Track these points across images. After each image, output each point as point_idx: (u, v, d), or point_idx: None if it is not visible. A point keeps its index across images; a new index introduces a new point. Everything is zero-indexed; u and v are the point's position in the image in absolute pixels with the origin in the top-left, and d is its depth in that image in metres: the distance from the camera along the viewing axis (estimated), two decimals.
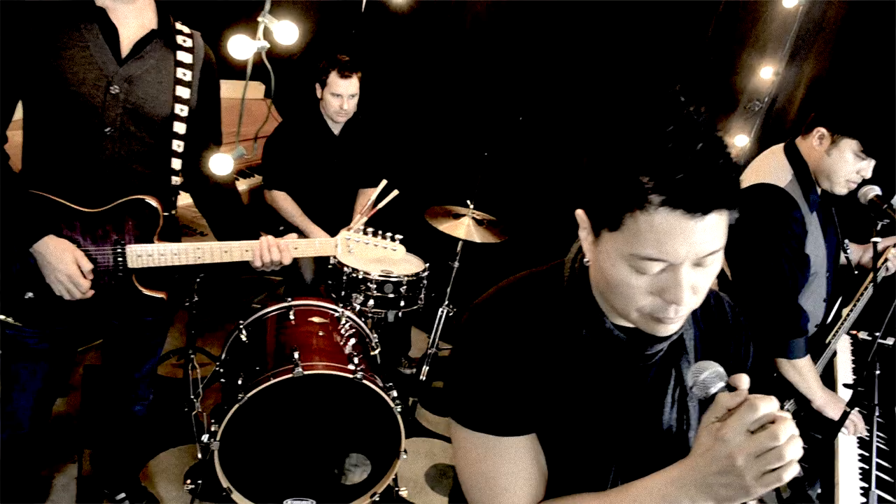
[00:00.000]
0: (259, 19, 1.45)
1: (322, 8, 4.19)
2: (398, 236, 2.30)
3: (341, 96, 3.19)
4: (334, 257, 3.10)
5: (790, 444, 0.90)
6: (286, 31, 1.46)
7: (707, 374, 1.01)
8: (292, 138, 3.31)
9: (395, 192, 3.15)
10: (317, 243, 2.16)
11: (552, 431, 1.09)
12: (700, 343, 1.20)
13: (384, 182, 3.17)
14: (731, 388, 1.00)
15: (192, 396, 2.90)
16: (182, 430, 2.94)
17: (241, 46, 1.43)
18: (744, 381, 0.98)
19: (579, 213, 1.02)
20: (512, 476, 1.08)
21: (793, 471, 0.92)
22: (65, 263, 1.84)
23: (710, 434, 0.96)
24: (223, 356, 2.87)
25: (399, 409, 2.52)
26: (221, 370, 2.85)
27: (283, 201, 3.35)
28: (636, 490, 1.02)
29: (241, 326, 2.77)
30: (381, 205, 3.22)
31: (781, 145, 2.39)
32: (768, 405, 0.92)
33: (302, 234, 3.37)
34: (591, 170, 0.98)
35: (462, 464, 1.13)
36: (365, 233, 2.25)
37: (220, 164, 1.66)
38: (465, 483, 1.13)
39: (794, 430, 0.92)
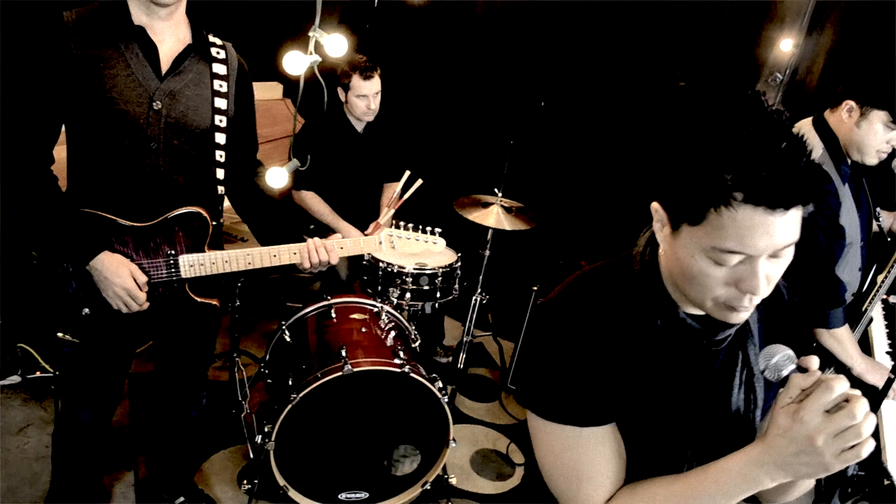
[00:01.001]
0: (310, 34, 1.48)
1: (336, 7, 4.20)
2: (438, 230, 2.33)
3: (367, 97, 3.21)
4: (368, 253, 3.14)
5: (867, 421, 0.94)
6: (336, 44, 1.49)
7: (778, 358, 1.05)
8: (318, 139, 3.34)
9: (420, 182, 3.19)
10: (361, 242, 2.19)
11: (630, 418, 1.13)
12: (763, 325, 1.23)
13: (407, 173, 3.21)
14: (801, 369, 1.03)
15: (241, 398, 2.97)
16: (231, 431, 3.01)
17: (295, 62, 1.46)
18: (814, 361, 1.02)
19: (655, 206, 1.06)
20: (595, 465, 1.11)
21: (870, 446, 0.96)
22: (121, 278, 1.89)
23: (787, 415, 0.99)
24: (267, 357, 2.92)
25: (446, 400, 2.57)
26: (266, 371, 2.91)
27: (313, 201, 3.39)
28: (715, 471, 1.05)
29: (284, 327, 2.82)
30: (406, 196, 3.27)
31: (809, 120, 2.40)
32: (842, 385, 0.96)
33: (333, 232, 3.42)
34: (671, 166, 1.01)
35: (544, 455, 1.17)
36: (406, 228, 2.28)
37: (276, 177, 1.70)
38: (547, 473, 1.17)
39: (868, 407, 0.96)
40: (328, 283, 3.36)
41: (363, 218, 3.46)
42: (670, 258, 1.07)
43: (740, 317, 1.06)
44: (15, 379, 3.08)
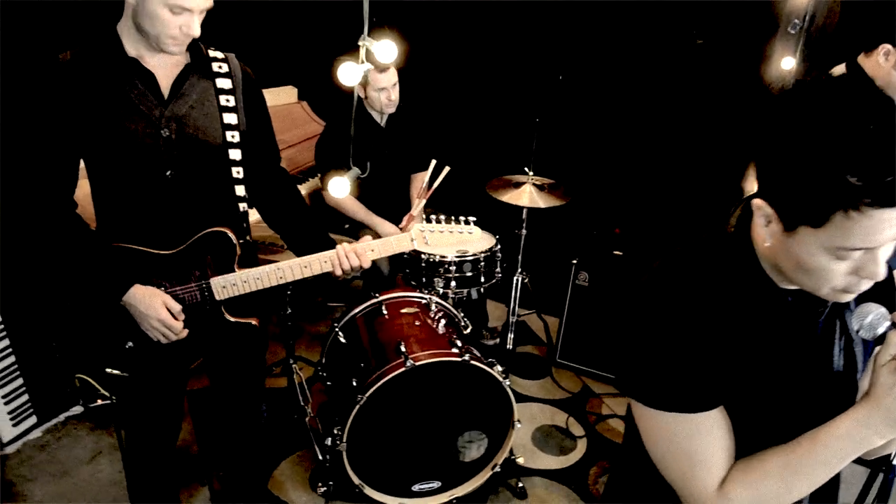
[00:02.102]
0: (360, 43, 1.48)
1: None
2: (471, 218, 2.26)
3: (385, 89, 3.21)
4: None
5: None
6: (386, 50, 1.50)
7: (872, 317, 1.06)
8: (342, 137, 3.34)
9: (447, 169, 3.19)
10: (393, 242, 2.13)
11: (736, 395, 1.13)
12: None
13: (434, 162, 3.21)
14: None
15: (302, 403, 3.01)
16: (295, 436, 3.05)
17: (349, 73, 1.47)
18: None
19: (759, 203, 1.03)
20: (708, 449, 1.11)
21: None
22: (155, 310, 1.88)
23: (889, 372, 1.00)
24: (323, 360, 2.95)
25: (507, 383, 2.60)
26: (324, 374, 2.94)
27: (345, 200, 3.40)
28: (825, 436, 1.06)
29: (337, 328, 2.85)
30: (435, 184, 3.27)
31: (843, 66, 2.38)
32: None
33: (367, 229, 3.44)
34: (785, 168, 0.98)
35: (654, 443, 1.17)
36: (438, 221, 2.22)
37: (338, 187, 1.70)
38: (659, 460, 1.17)
39: None
40: (371, 280, 3.38)
41: (396, 211, 3.47)
42: (780, 252, 1.05)
43: (852, 297, 1.06)
44: (78, 409, 3.11)
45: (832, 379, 1.19)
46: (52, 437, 3.01)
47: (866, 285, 1.02)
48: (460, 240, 2.20)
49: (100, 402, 3.14)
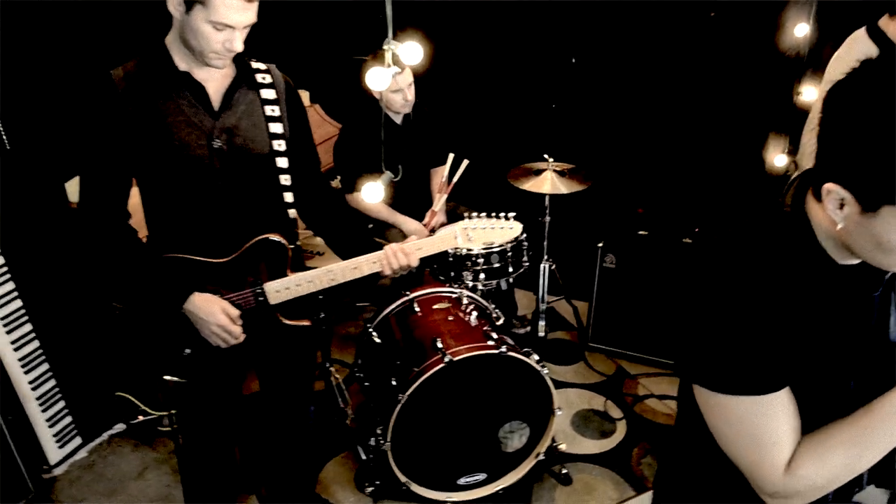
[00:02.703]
0: (385, 47, 1.48)
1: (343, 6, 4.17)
2: (511, 214, 2.29)
3: (401, 90, 3.20)
4: None
5: None
6: (412, 52, 1.50)
7: None
8: (358, 139, 3.34)
9: (466, 162, 3.19)
10: (438, 240, 2.15)
11: (801, 373, 1.13)
12: None
13: (452, 156, 3.21)
14: None
15: (342, 405, 3.03)
16: (336, 438, 3.07)
17: (378, 78, 1.47)
18: None
19: (831, 187, 1.01)
20: (776, 430, 1.11)
21: None
22: (215, 316, 1.92)
23: None
24: (358, 361, 2.97)
25: (546, 371, 2.60)
26: (361, 374, 2.96)
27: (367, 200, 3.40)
28: (887, 405, 1.06)
29: (370, 328, 2.86)
30: (455, 178, 3.27)
31: (863, 30, 2.35)
32: None
33: (392, 228, 3.45)
34: (860, 149, 0.96)
35: (720, 426, 1.16)
36: (479, 217, 2.25)
37: (372, 192, 1.71)
38: (726, 444, 1.16)
39: None
40: (399, 278, 3.37)
41: (418, 208, 3.47)
42: (856, 233, 1.03)
43: None
44: (120, 427, 3.15)
45: (886, 343, 1.19)
46: (98, 456, 3.04)
47: None
48: (502, 235, 2.23)
49: (141, 418, 3.18)
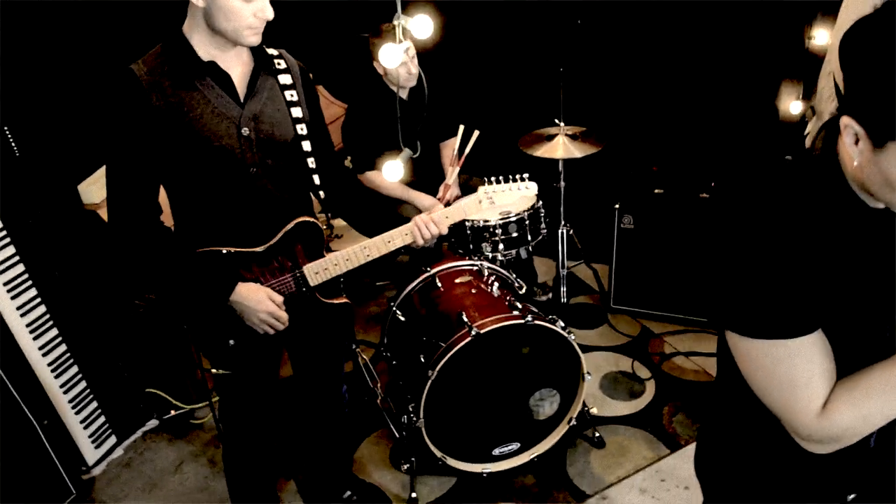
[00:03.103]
0: (394, 22, 1.45)
1: None
2: (525, 175, 2.30)
3: (405, 63, 3.16)
4: None
5: None
6: (423, 26, 1.47)
7: None
8: (366, 118, 3.31)
9: (477, 133, 3.15)
10: (463, 205, 2.17)
11: (834, 316, 1.12)
12: None
13: (462, 128, 3.18)
14: None
15: (371, 385, 3.04)
16: (368, 418, 3.08)
17: (390, 55, 1.44)
18: None
19: (847, 120, 1.02)
20: (809, 373, 1.10)
21: None
22: (263, 303, 1.95)
23: None
24: (384, 340, 2.97)
25: (573, 337, 2.59)
26: (388, 354, 2.96)
27: (380, 178, 3.37)
28: None
29: (394, 307, 2.85)
30: (466, 150, 3.23)
31: None
32: None
33: (405, 204, 3.43)
34: (872, 83, 0.97)
35: (753, 372, 1.16)
36: (498, 181, 2.26)
37: (393, 170, 1.69)
38: (760, 389, 1.16)
39: None
40: (418, 254, 3.37)
41: (430, 183, 3.45)
42: (868, 170, 1.03)
43: None
44: (153, 423, 3.19)
45: None
46: (134, 453, 3.07)
47: None
48: (522, 196, 2.26)
49: (173, 412, 3.21)
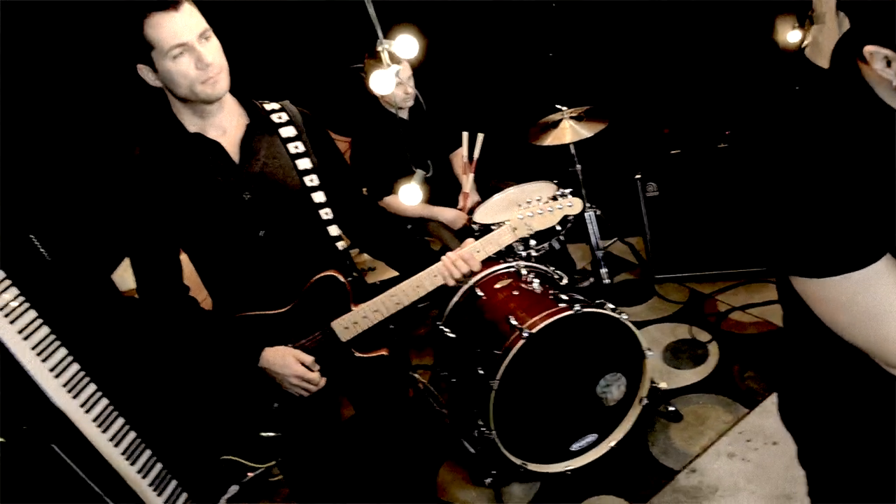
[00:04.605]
0: (378, 48, 1.45)
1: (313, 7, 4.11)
2: (567, 191, 2.10)
3: (402, 83, 3.17)
4: (475, 223, 3.12)
5: None
6: (407, 46, 1.46)
7: None
8: (372, 145, 3.32)
9: (482, 136, 3.15)
10: (496, 237, 2.03)
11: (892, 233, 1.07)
12: None
13: (466, 134, 3.17)
14: None
15: (437, 407, 3.03)
16: (440, 440, 3.06)
17: (382, 81, 1.44)
18: None
19: (872, 48, 0.98)
20: (890, 299, 1.06)
21: None
22: (290, 368, 1.91)
23: None
24: (438, 360, 2.96)
25: (626, 317, 2.56)
26: (445, 373, 2.95)
27: (398, 203, 3.38)
28: None
29: (441, 326, 2.84)
30: (476, 155, 3.23)
31: None
32: None
33: (431, 222, 3.42)
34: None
35: (832, 314, 1.12)
36: (529, 203, 2.07)
37: (410, 194, 1.68)
38: (843, 329, 1.12)
39: None
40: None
41: (449, 195, 3.45)
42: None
43: None
44: (234, 489, 3.20)
45: None
46: None
47: None
48: (562, 213, 2.08)
49: (250, 475, 3.22)
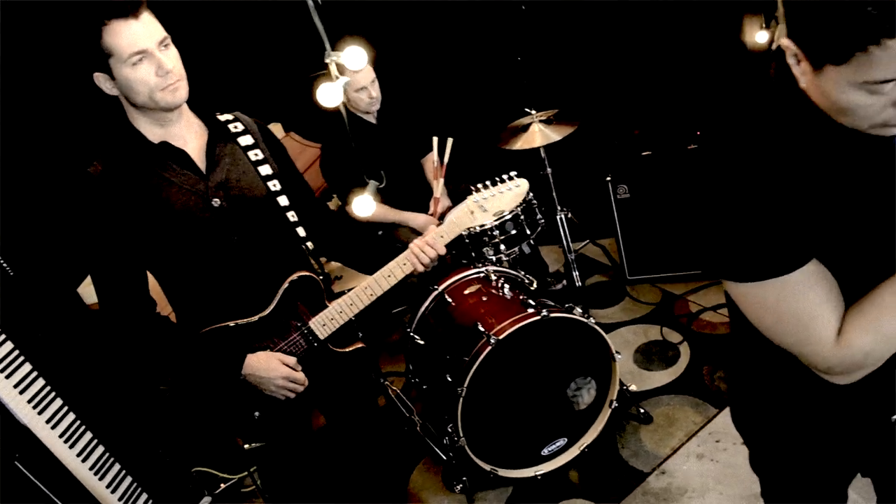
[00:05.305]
0: (326, 60, 1.44)
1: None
2: (513, 173, 2.26)
3: (365, 88, 3.16)
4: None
5: None
6: (356, 57, 1.45)
7: None
8: (341, 151, 3.31)
9: (451, 141, 3.14)
10: (455, 219, 2.14)
11: (825, 240, 1.08)
12: None
13: (436, 139, 3.16)
14: None
15: (408, 414, 3.02)
16: (412, 446, 3.06)
17: (329, 94, 1.43)
18: None
19: (786, 42, 0.99)
20: (815, 304, 1.07)
21: None
22: (276, 370, 1.92)
23: None
24: (410, 367, 2.95)
25: (593, 321, 2.56)
26: (416, 380, 2.94)
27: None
28: None
29: (412, 332, 2.84)
30: (446, 159, 3.22)
31: None
32: None
33: (401, 228, 3.41)
34: (806, 4, 0.94)
35: (759, 316, 1.13)
36: (485, 187, 2.22)
37: (363, 205, 1.68)
38: (769, 331, 1.13)
39: None
40: (424, 274, 3.35)
41: (420, 201, 3.43)
42: (814, 92, 1.01)
43: None
44: (207, 500, 3.18)
45: None
46: None
47: None
48: (514, 195, 2.21)
49: (223, 486, 3.21)
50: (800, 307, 1.08)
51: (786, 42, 0.99)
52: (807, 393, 1.24)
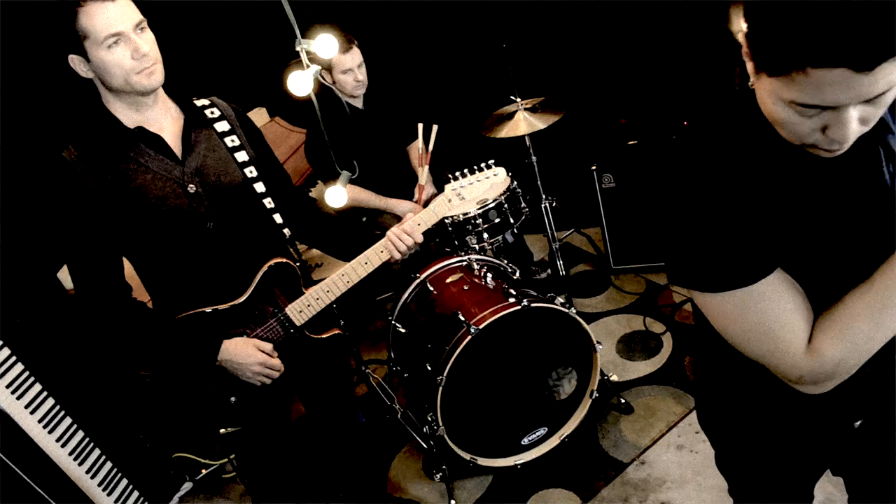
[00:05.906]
0: (297, 48, 1.42)
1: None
2: (491, 161, 2.26)
3: (351, 70, 3.12)
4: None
5: None
6: (327, 45, 1.43)
7: None
8: (322, 138, 3.27)
9: (436, 128, 3.11)
10: (433, 208, 2.13)
11: (789, 249, 1.07)
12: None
13: (421, 126, 3.14)
14: None
15: (389, 402, 3.02)
16: (393, 435, 3.06)
17: (300, 82, 1.41)
18: None
19: (742, 40, 0.97)
20: (782, 313, 1.06)
21: None
22: (253, 356, 1.93)
23: None
24: (392, 355, 2.95)
25: (574, 311, 2.56)
26: (398, 368, 2.94)
27: (354, 193, 3.34)
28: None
29: (392, 321, 2.83)
30: (430, 147, 3.19)
31: None
32: None
33: (385, 214, 3.40)
34: (753, 16, 0.93)
35: (725, 325, 1.11)
36: (463, 175, 2.21)
37: (336, 196, 1.66)
38: (737, 341, 1.12)
39: None
40: (407, 261, 3.34)
41: (404, 188, 3.42)
42: (758, 96, 1.00)
43: (837, 154, 0.98)
44: (187, 486, 3.18)
45: (891, 204, 1.11)
46: None
47: (840, 147, 0.95)
48: (491, 184, 2.21)
49: (204, 471, 3.21)
50: (766, 317, 1.06)
51: (741, 39, 0.98)
52: (771, 398, 1.24)
